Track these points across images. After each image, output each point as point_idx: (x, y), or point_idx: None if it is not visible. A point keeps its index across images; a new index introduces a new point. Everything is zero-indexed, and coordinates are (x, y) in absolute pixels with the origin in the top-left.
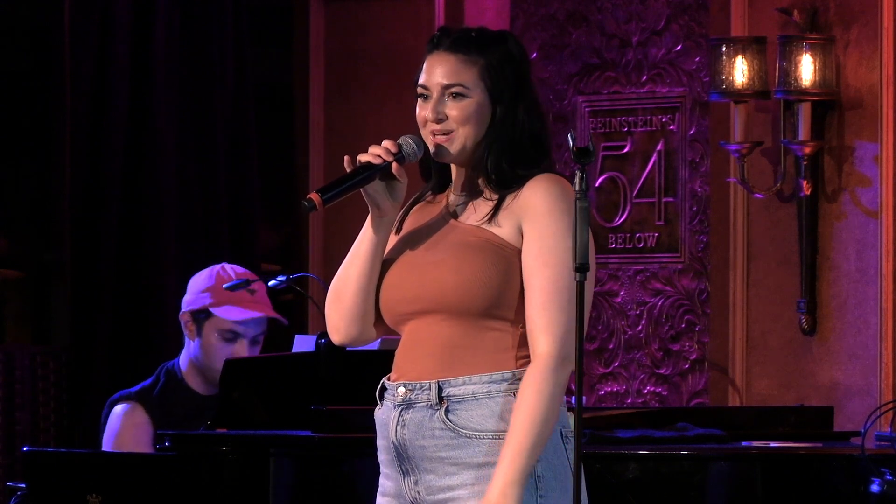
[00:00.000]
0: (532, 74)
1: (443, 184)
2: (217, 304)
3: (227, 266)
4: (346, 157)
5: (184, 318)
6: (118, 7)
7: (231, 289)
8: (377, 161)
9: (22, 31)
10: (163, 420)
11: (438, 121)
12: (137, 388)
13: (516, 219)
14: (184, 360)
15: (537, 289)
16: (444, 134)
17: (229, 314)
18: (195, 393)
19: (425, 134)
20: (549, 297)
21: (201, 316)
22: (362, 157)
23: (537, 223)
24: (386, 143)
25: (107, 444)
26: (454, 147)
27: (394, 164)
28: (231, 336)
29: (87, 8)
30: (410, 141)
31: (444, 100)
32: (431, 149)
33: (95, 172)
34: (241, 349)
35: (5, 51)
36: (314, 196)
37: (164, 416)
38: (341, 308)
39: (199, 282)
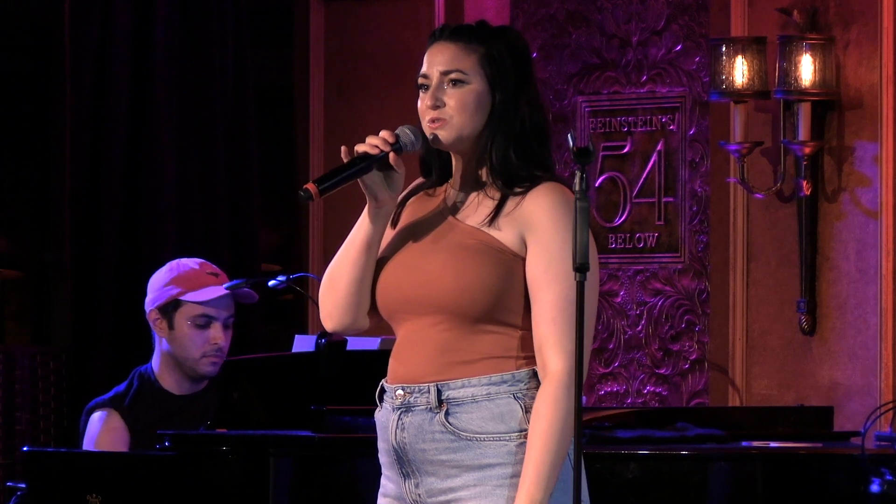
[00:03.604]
0: (534, 71)
1: (442, 177)
2: (185, 291)
3: (182, 259)
4: (343, 148)
5: (152, 316)
6: (118, 7)
7: (232, 288)
8: (374, 151)
9: (22, 31)
10: (137, 424)
11: (435, 107)
12: (111, 394)
13: (519, 228)
14: (156, 360)
15: (547, 304)
16: (440, 121)
17: (200, 297)
18: (169, 394)
19: (425, 126)
20: (560, 313)
21: (169, 308)
22: (359, 148)
23: (543, 237)
24: (383, 134)
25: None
26: (449, 134)
27: (391, 155)
28: (204, 321)
29: (87, 8)
30: (408, 131)
31: (443, 87)
32: (430, 138)
33: (95, 172)
34: (217, 333)
35: (5, 51)
36: (311, 186)
37: (138, 419)
38: (335, 296)
39: (159, 278)
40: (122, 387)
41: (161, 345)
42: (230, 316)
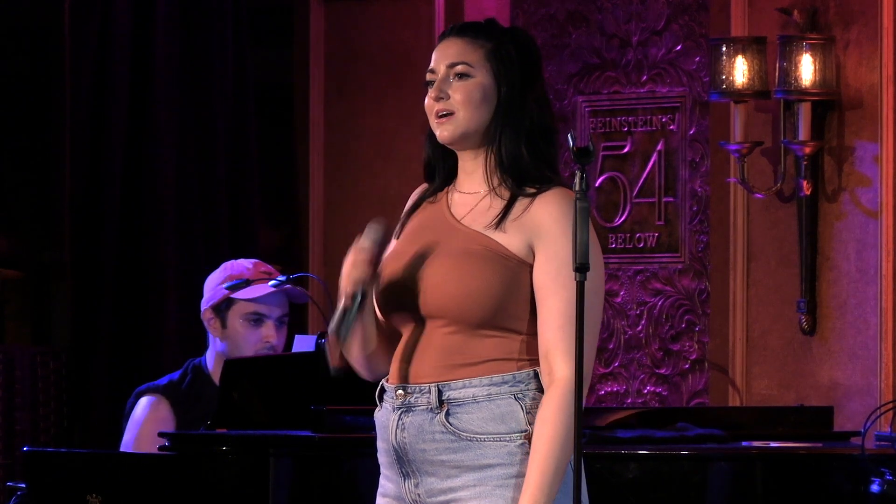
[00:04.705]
0: (542, 71)
1: (447, 181)
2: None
3: (237, 260)
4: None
5: (206, 315)
6: (118, 7)
7: (231, 289)
8: (349, 304)
9: (22, 31)
10: (187, 415)
11: (439, 98)
12: (164, 381)
13: (527, 234)
14: (210, 358)
15: (554, 310)
16: (446, 115)
17: (251, 293)
18: None
19: (433, 122)
20: (567, 320)
21: (223, 307)
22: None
23: (552, 244)
24: (345, 291)
25: (128, 434)
26: (456, 128)
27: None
28: (256, 318)
29: (87, 8)
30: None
31: (449, 80)
32: (436, 133)
33: (95, 172)
34: (269, 331)
35: (5, 51)
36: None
37: (190, 411)
38: (358, 365)
39: (213, 278)
40: (176, 375)
41: (215, 345)
42: (284, 315)
